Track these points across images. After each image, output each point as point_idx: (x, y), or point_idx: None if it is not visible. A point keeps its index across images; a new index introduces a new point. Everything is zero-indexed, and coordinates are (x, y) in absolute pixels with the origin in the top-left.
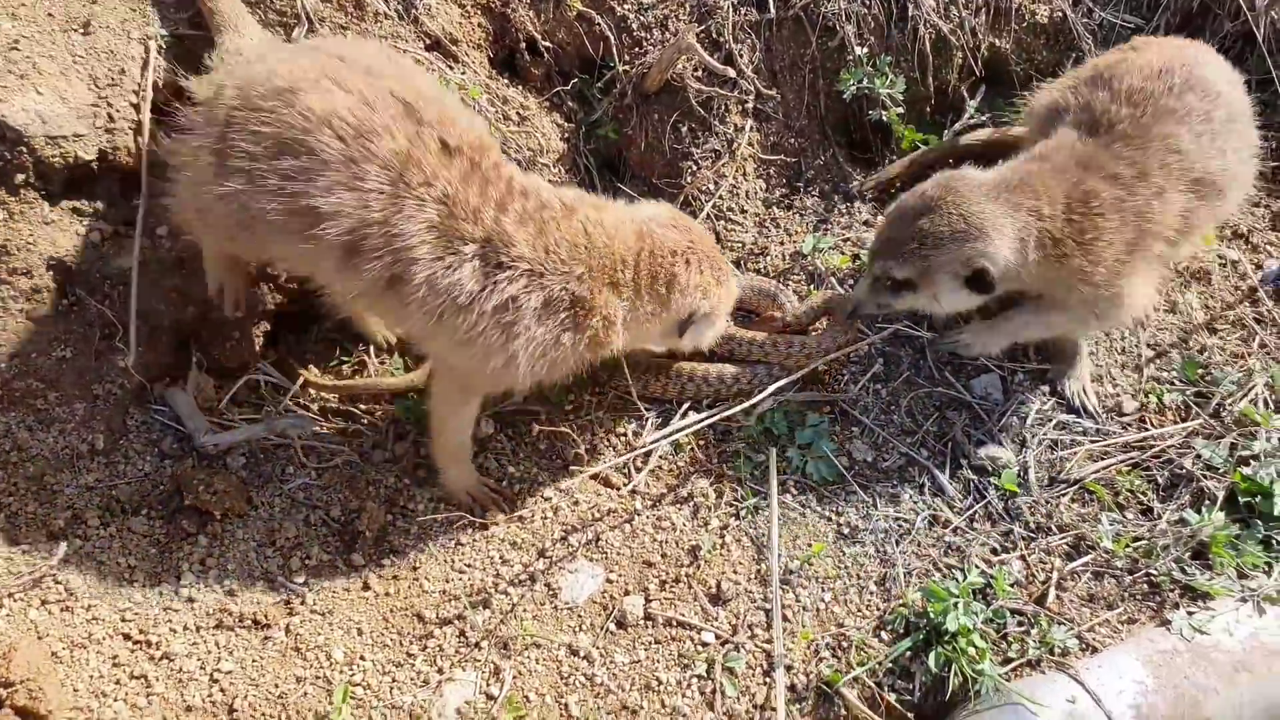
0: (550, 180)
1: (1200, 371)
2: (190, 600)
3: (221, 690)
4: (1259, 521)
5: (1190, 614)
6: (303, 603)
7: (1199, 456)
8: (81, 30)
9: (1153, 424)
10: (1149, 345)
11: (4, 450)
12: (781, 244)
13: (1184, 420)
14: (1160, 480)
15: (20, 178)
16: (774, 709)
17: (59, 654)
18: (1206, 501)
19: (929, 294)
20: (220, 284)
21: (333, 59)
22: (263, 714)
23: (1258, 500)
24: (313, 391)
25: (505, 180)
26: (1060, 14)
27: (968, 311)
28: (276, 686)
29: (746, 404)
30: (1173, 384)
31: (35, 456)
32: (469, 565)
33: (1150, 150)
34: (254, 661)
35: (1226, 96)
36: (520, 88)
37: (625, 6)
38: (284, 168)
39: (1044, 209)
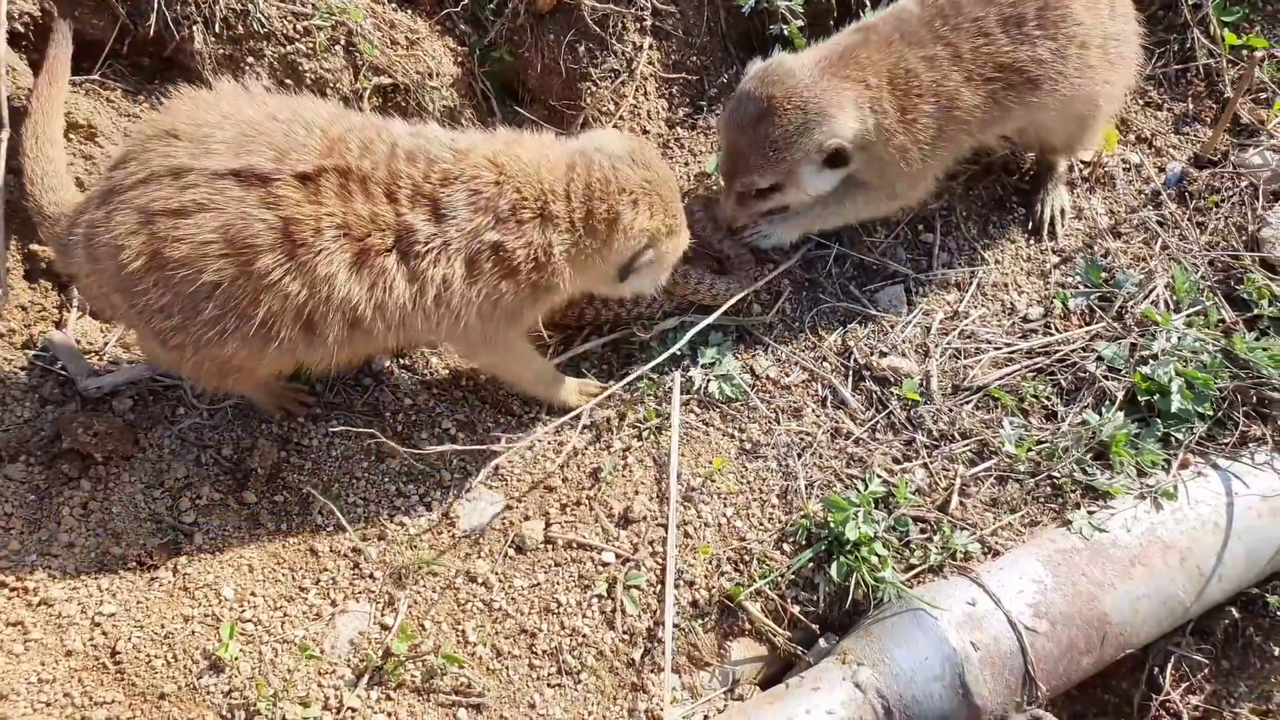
0: (445, 106)
1: (1104, 276)
2: (70, 545)
3: (104, 634)
4: (1158, 420)
5: (1090, 513)
6: (191, 542)
7: (1101, 358)
8: None
9: (1057, 329)
10: (1055, 252)
11: None
12: (685, 164)
13: (1088, 324)
14: (1064, 384)
15: None
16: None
17: None
18: (1107, 402)
19: (794, 189)
20: (277, 406)
21: (151, 189)
22: (147, 655)
23: (1156, 398)
24: None
25: (384, 159)
26: None
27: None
28: (163, 627)
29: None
30: (1077, 289)
31: None
32: (364, 498)
33: (962, 31)
34: (139, 603)
35: None
36: (408, 11)
37: None
38: (208, 315)
39: (869, 79)
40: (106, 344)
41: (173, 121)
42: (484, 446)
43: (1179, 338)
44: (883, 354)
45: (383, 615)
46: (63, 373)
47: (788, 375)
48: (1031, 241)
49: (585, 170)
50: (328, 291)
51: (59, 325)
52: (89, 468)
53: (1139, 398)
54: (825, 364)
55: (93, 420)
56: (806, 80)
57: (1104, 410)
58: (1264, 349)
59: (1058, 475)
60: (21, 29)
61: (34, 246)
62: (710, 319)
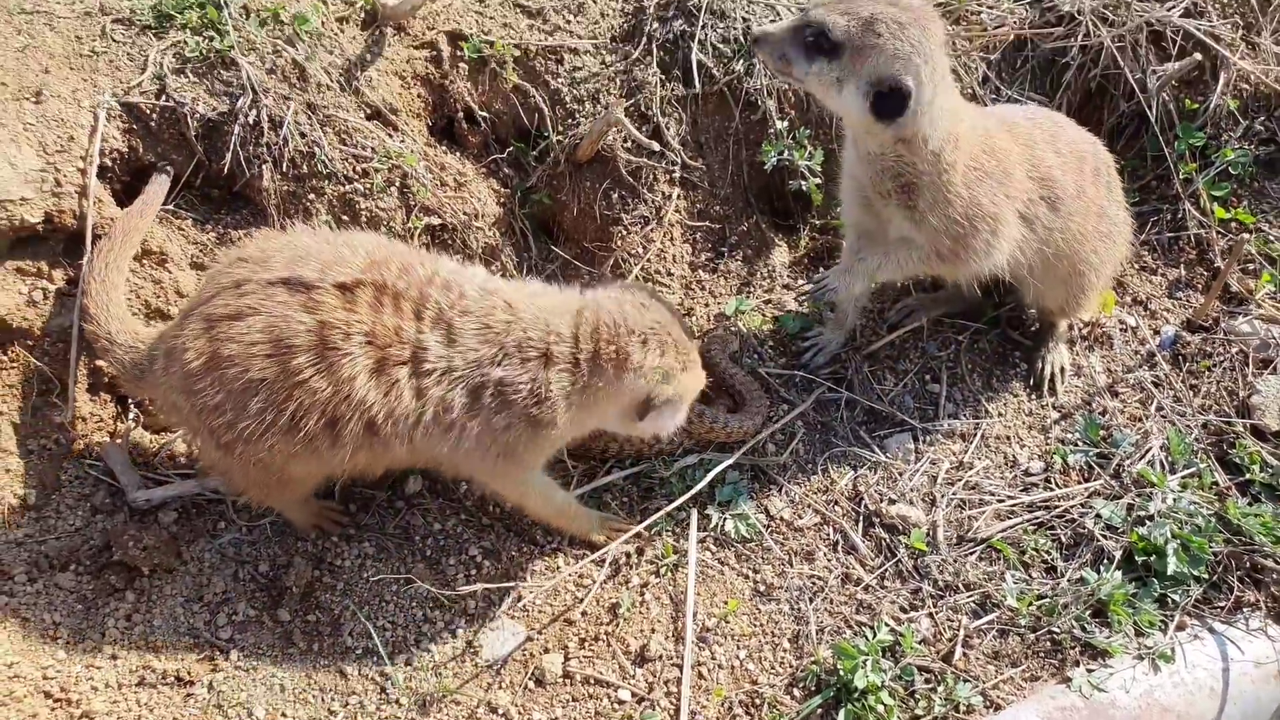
0: (486, 244)
1: (1102, 434)
2: (114, 657)
3: None
4: (1155, 580)
5: (1090, 671)
6: (227, 659)
7: (1099, 516)
8: (34, 99)
9: (1057, 484)
10: (1055, 408)
11: None
12: (706, 305)
13: (1087, 480)
14: (1064, 539)
15: None
16: None
17: None
18: (1105, 560)
19: (839, 75)
20: (312, 524)
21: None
22: None
23: (1153, 559)
24: None
25: (420, 281)
26: (970, 91)
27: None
28: None
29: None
30: (1076, 445)
31: None
32: (392, 623)
33: (1037, 139)
34: (175, 719)
35: (1071, 135)
36: (458, 154)
37: (558, 80)
38: (253, 409)
39: (962, 116)
40: (157, 454)
41: (245, 251)
42: (510, 584)
43: (1174, 499)
44: (891, 501)
45: None
46: (114, 483)
47: (801, 517)
48: (1033, 396)
49: (594, 315)
50: (348, 392)
51: (114, 437)
52: (134, 579)
53: (1136, 557)
54: (837, 508)
55: (142, 534)
56: (947, 71)
57: (1102, 568)
58: (1256, 515)
59: (1058, 631)
60: (109, 162)
61: (99, 363)
62: (730, 460)
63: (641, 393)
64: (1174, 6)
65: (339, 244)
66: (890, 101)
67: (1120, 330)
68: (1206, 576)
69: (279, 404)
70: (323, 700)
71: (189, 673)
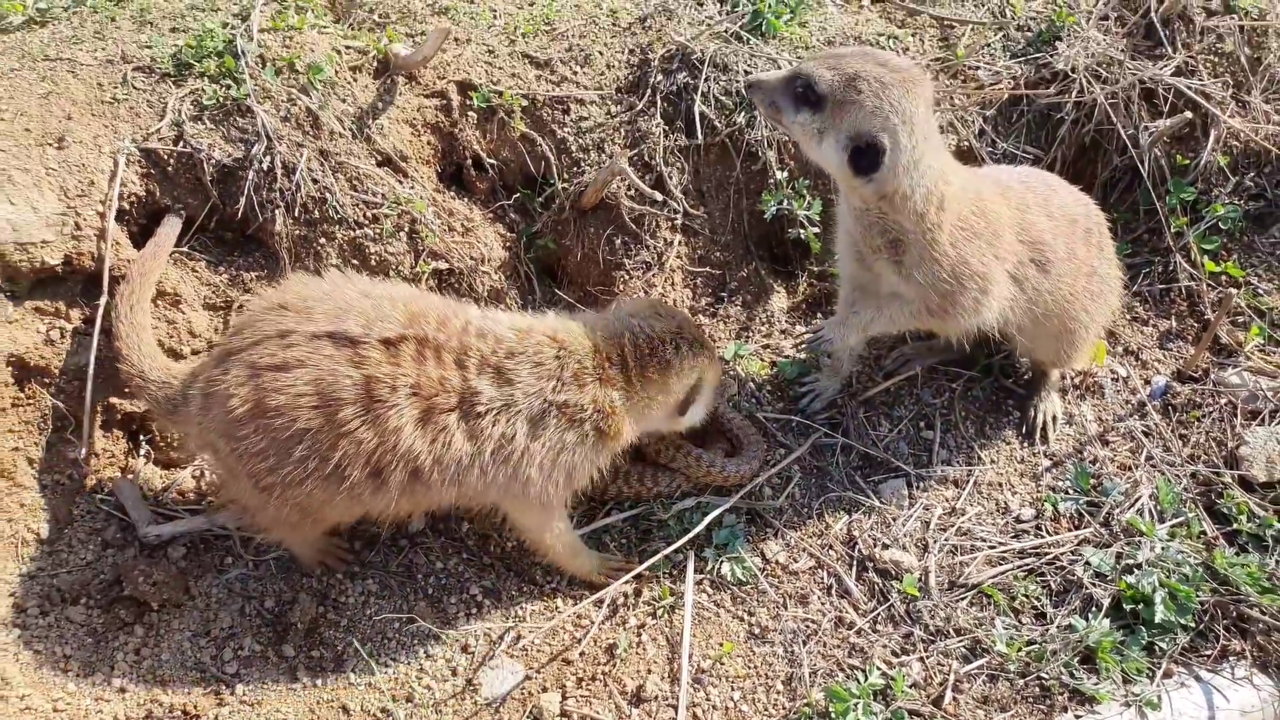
0: (492, 288)
1: (1093, 482)
2: (122, 690)
3: None
4: (1143, 628)
5: (1078, 718)
6: (232, 693)
7: (1088, 563)
8: (56, 145)
9: (1048, 531)
10: (1047, 456)
11: None
12: None
13: (1077, 528)
14: (1053, 585)
15: None
16: None
17: None
18: (1094, 608)
19: (820, 126)
20: (319, 560)
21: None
22: None
23: (1141, 607)
24: None
25: (457, 332)
26: (966, 144)
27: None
28: None
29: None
30: (1067, 493)
31: None
32: (394, 659)
33: (1029, 202)
34: None
35: (1063, 198)
36: (466, 200)
37: (565, 130)
38: (297, 457)
39: (950, 178)
40: (166, 490)
41: (284, 297)
42: (510, 624)
43: (1163, 548)
44: (885, 545)
45: None
46: (125, 518)
47: (796, 561)
48: (1025, 444)
49: (631, 337)
50: (394, 442)
51: (125, 472)
52: (143, 614)
53: (1124, 604)
54: (831, 552)
55: (152, 569)
56: (930, 126)
57: (1091, 616)
58: (1243, 565)
59: (1046, 677)
60: (127, 206)
61: (113, 400)
62: (727, 504)
63: (684, 392)
64: (1165, 65)
65: (379, 297)
66: (866, 157)
67: (1112, 379)
68: (1193, 625)
69: (324, 453)
70: None
71: (195, 707)
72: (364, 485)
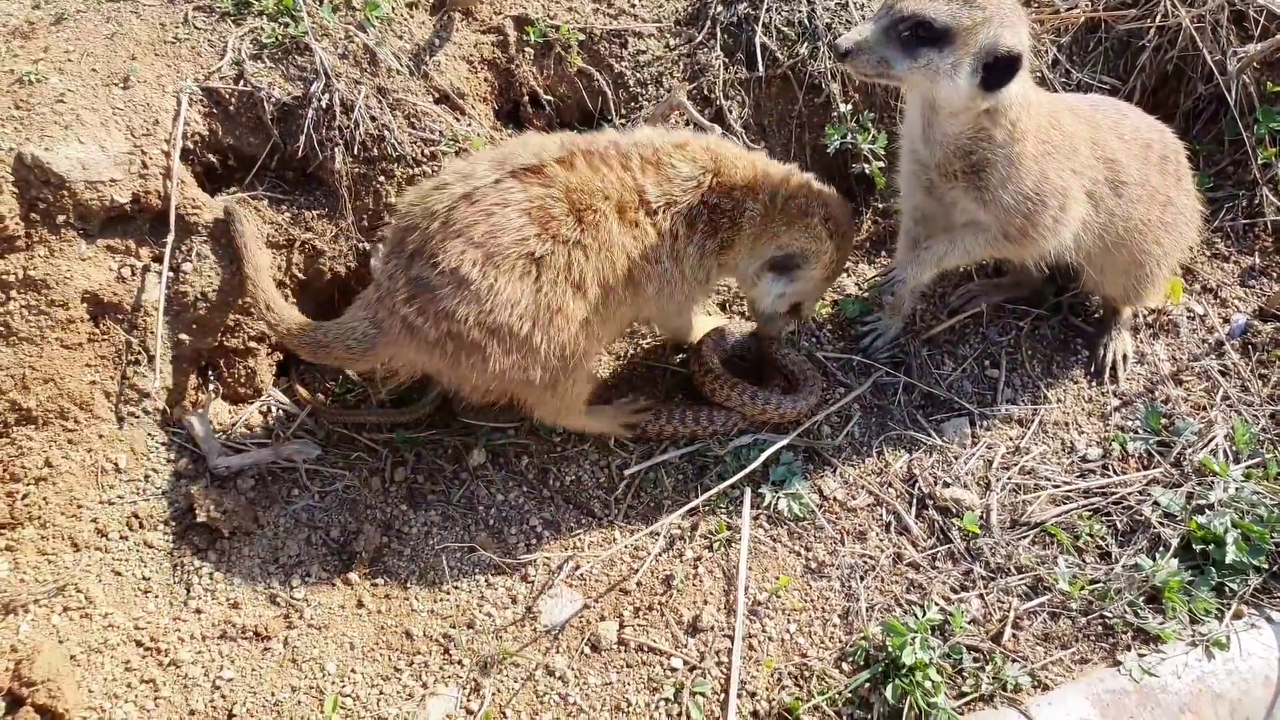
0: None
1: (1164, 421)
2: (198, 611)
3: (223, 697)
4: (1212, 569)
5: (1141, 656)
6: (301, 617)
7: (1157, 504)
8: (121, 85)
9: (1115, 471)
10: (1116, 395)
11: (39, 466)
12: None
13: (1145, 468)
14: (1119, 525)
15: (61, 219)
16: None
17: (77, 657)
18: (1162, 548)
19: (952, 60)
20: (616, 423)
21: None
22: None
23: (1211, 548)
24: (319, 419)
25: (610, 143)
26: (1039, 74)
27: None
28: (273, 695)
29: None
30: (1136, 433)
31: (65, 473)
32: (456, 587)
33: (1100, 123)
34: (253, 670)
35: (1135, 121)
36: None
37: (622, 64)
38: (546, 283)
39: (1033, 97)
40: (234, 425)
41: (438, 179)
42: (569, 554)
43: (1237, 489)
44: (946, 484)
45: (469, 700)
46: (196, 450)
47: (854, 498)
48: (1093, 384)
49: (800, 178)
50: (610, 242)
51: (195, 406)
52: (216, 540)
53: (1194, 545)
54: (891, 489)
55: (223, 499)
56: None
57: (1158, 555)
58: None
59: (1110, 615)
60: (191, 145)
61: (182, 335)
62: (784, 441)
63: (794, 247)
64: None
65: (522, 140)
66: (996, 72)
67: (1188, 318)
68: (1266, 566)
69: (564, 272)
70: (389, 659)
71: (266, 628)
72: (606, 295)
